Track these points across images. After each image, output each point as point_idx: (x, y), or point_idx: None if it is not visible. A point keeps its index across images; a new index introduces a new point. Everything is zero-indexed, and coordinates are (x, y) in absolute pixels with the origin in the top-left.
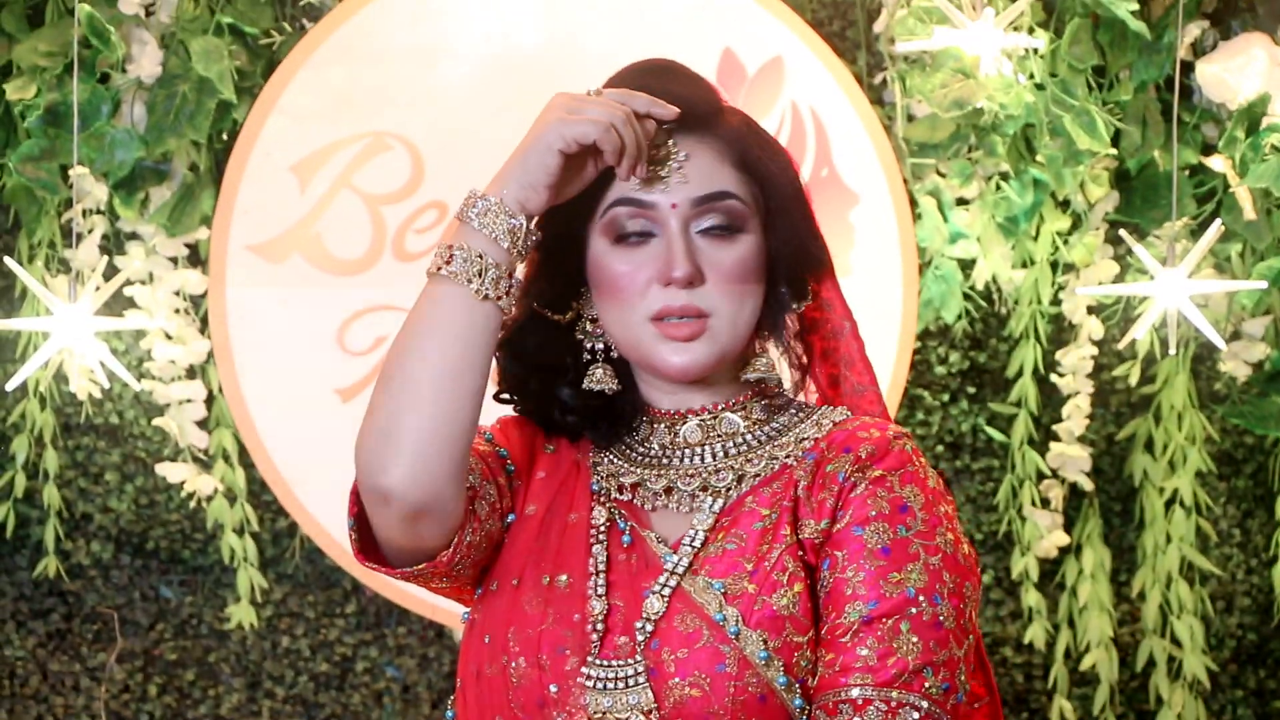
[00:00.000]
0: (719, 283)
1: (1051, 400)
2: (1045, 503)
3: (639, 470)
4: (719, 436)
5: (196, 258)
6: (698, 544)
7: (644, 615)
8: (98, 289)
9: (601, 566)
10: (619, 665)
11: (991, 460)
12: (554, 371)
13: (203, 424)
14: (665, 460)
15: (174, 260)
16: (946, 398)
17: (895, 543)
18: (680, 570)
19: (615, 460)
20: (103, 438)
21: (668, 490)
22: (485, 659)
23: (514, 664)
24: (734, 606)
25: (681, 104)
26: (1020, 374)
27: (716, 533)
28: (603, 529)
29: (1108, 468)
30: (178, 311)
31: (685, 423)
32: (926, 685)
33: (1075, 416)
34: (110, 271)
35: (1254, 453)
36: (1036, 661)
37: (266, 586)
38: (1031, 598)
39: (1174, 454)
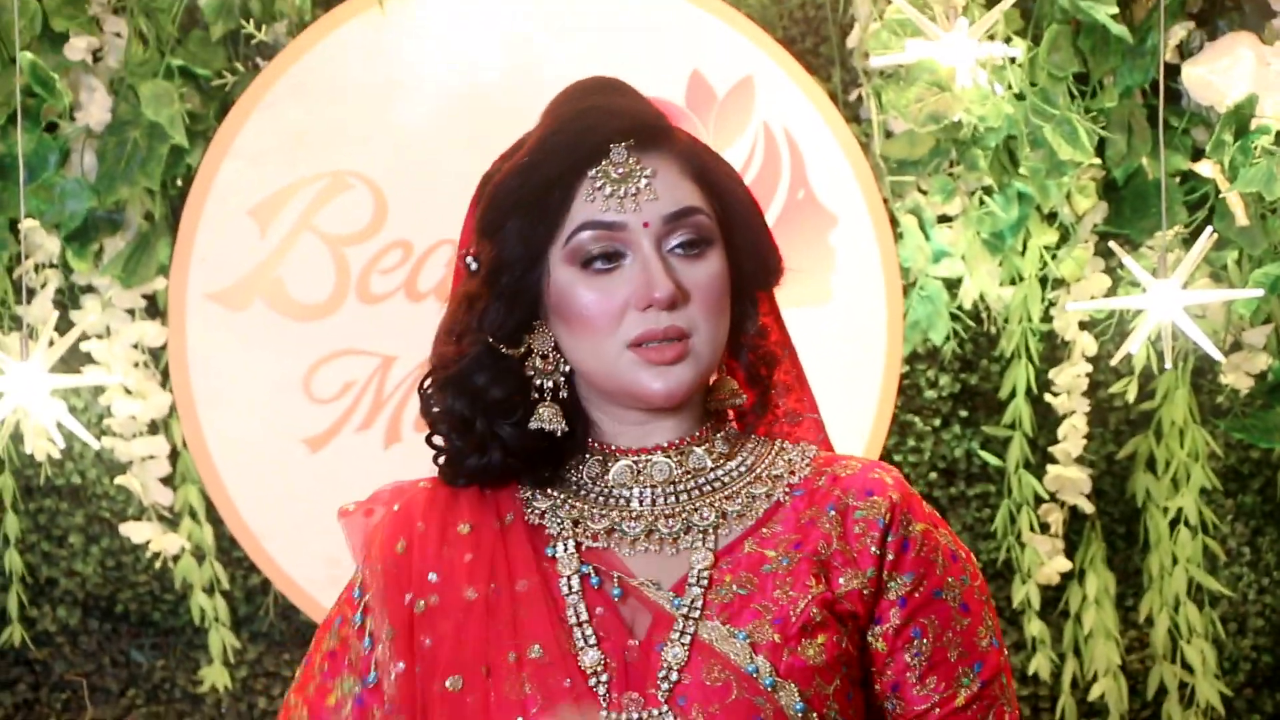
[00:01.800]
0: (698, 301)
1: (1047, 421)
2: (1045, 527)
3: (607, 513)
4: (689, 474)
5: (155, 309)
6: (704, 584)
7: (665, 665)
8: (51, 344)
9: (584, 617)
10: (644, 716)
11: (987, 485)
12: (500, 410)
13: (167, 480)
14: (634, 500)
15: (131, 312)
16: (938, 422)
17: (966, 594)
18: (695, 615)
19: (574, 504)
20: (65, 499)
21: (648, 533)
22: None
23: None
24: (763, 656)
25: (634, 118)
26: (1013, 395)
27: (720, 574)
28: (574, 584)
29: (1109, 488)
30: (137, 365)
31: (651, 459)
32: None
33: (1072, 437)
34: (65, 326)
35: (1260, 467)
36: (1043, 693)
37: (240, 646)
38: (1034, 627)
39: (1177, 472)
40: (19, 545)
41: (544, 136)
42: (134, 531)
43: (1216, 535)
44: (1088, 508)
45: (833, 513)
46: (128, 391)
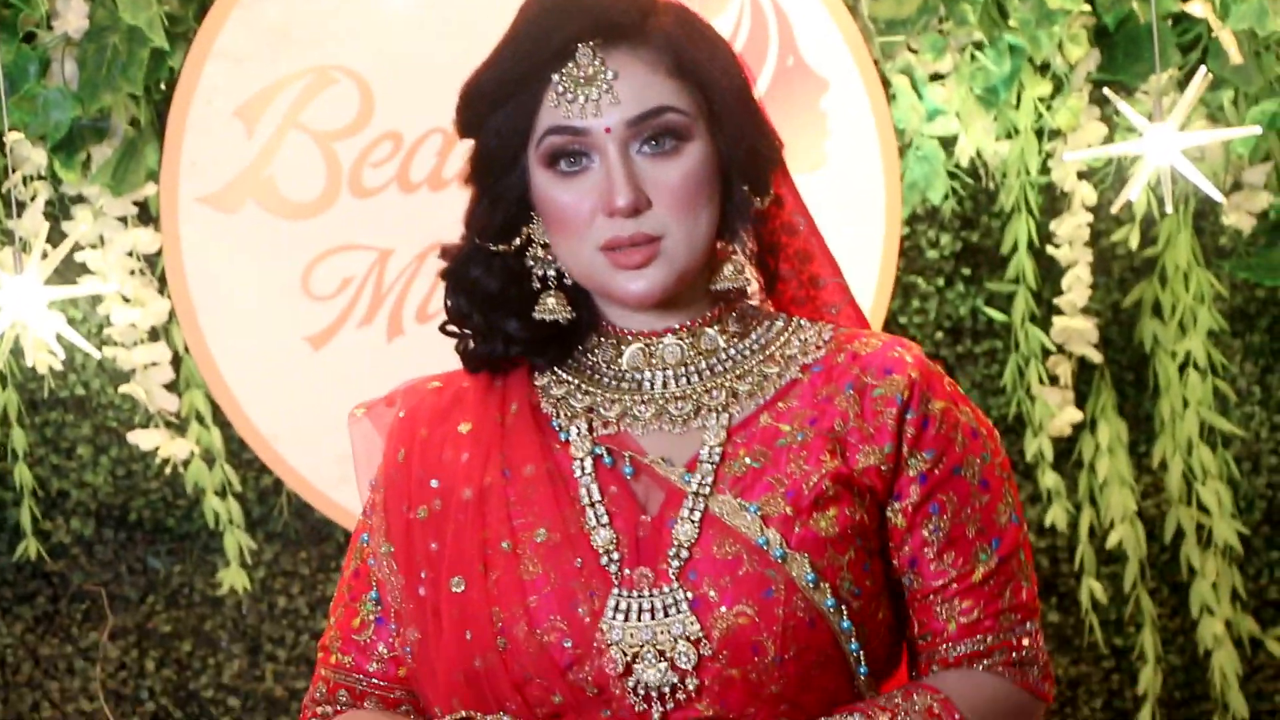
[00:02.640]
0: (667, 203)
1: (1050, 273)
2: (1054, 380)
3: (620, 398)
4: (700, 354)
5: (147, 215)
6: (715, 460)
7: (675, 542)
8: (45, 256)
9: (596, 497)
10: (653, 595)
11: (994, 342)
12: (496, 303)
13: (171, 386)
14: (646, 382)
15: (124, 220)
16: (941, 282)
17: (986, 471)
18: (705, 491)
19: (589, 389)
20: (70, 411)
21: (658, 414)
22: (475, 653)
23: (519, 635)
24: (774, 529)
25: (601, 16)
26: (1015, 249)
27: (734, 448)
28: (588, 465)
29: (1116, 337)
30: (133, 273)
31: (662, 341)
32: (1036, 597)
33: (1076, 287)
34: (58, 238)
35: (1267, 306)
36: (1060, 544)
37: (256, 547)
38: (1049, 479)
39: (1183, 315)
40: (27, 459)
41: (512, 36)
42: (142, 439)
43: (1226, 376)
44: (1096, 357)
45: (850, 390)
46: (125, 300)
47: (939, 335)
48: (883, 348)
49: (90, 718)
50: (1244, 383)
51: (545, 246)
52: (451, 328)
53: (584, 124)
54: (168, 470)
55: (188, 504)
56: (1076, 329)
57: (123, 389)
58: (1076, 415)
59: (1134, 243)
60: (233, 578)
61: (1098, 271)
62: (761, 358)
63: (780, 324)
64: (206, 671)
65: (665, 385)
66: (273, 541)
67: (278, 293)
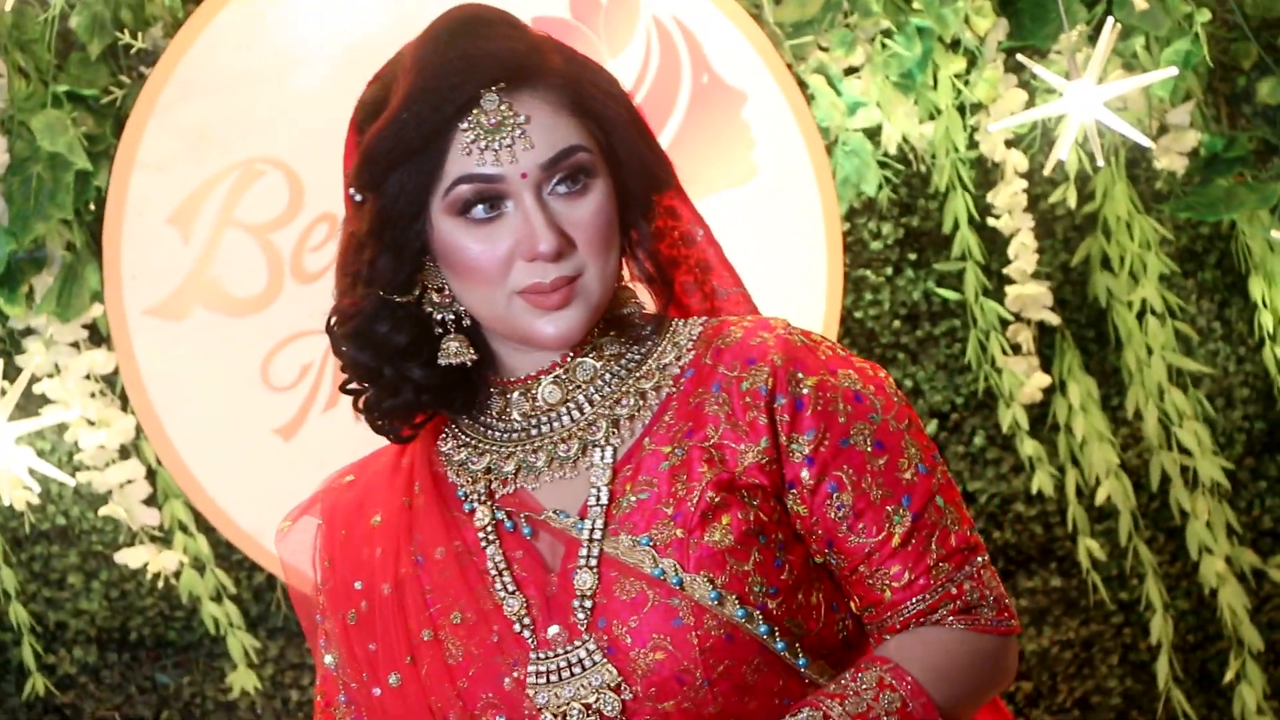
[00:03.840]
0: (584, 241)
1: (995, 245)
2: (1016, 348)
3: (513, 451)
4: (578, 387)
5: (98, 336)
6: (605, 502)
7: (578, 594)
8: (4, 394)
9: (502, 566)
10: (566, 652)
11: (951, 321)
12: (405, 353)
13: (150, 501)
14: (534, 430)
15: (75, 345)
16: (890, 271)
17: (878, 432)
18: (598, 536)
19: (485, 447)
20: (54, 542)
21: (550, 461)
22: None
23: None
24: (669, 557)
25: (503, 61)
26: (957, 227)
27: (621, 484)
28: (490, 532)
29: (1070, 296)
30: (94, 395)
31: (539, 384)
32: (970, 535)
33: (1023, 254)
34: (14, 373)
35: (1213, 241)
36: (1050, 509)
37: (260, 646)
38: (1028, 447)
39: (1133, 264)
40: (20, 597)
41: (413, 88)
42: (130, 558)
43: (1185, 317)
44: (1054, 319)
45: (718, 390)
46: (90, 423)
47: (896, 324)
48: (744, 336)
49: None
50: (1203, 321)
51: (439, 291)
52: (353, 386)
53: (498, 170)
54: (160, 584)
55: (186, 614)
56: (1030, 295)
57: (102, 511)
58: (1045, 380)
59: (1072, 201)
60: (242, 680)
61: (1041, 235)
62: (639, 374)
63: (655, 332)
64: None
65: (550, 427)
66: (276, 637)
67: (240, 390)
